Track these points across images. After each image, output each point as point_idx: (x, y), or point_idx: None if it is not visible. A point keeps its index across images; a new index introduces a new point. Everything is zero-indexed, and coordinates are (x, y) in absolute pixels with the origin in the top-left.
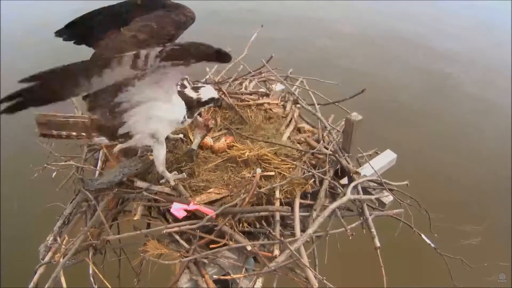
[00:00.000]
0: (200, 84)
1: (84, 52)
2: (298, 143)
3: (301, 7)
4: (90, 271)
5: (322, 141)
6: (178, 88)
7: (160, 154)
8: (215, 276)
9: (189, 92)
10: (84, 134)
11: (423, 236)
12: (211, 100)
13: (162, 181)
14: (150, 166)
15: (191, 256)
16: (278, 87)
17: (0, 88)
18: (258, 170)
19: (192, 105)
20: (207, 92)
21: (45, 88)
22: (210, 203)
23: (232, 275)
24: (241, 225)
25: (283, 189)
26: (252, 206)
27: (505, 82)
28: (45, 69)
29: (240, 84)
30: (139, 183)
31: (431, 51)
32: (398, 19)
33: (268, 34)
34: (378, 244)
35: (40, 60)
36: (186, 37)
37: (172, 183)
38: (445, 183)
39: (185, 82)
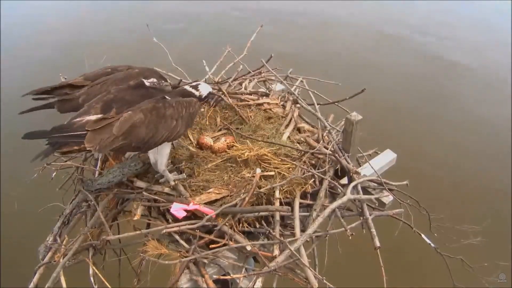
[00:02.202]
0: (195, 83)
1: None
2: (298, 143)
3: (302, 7)
4: (90, 271)
5: (322, 141)
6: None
7: (164, 154)
8: (215, 276)
9: (190, 89)
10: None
11: (423, 236)
12: (209, 94)
13: (162, 180)
14: (150, 166)
15: (191, 256)
16: (277, 87)
17: (0, 86)
18: (258, 170)
19: (192, 97)
20: (205, 88)
21: None
22: (210, 203)
23: (232, 275)
24: (241, 225)
25: (283, 189)
26: (252, 206)
27: (505, 82)
28: None
29: (240, 84)
30: (139, 183)
31: (432, 51)
32: (400, 19)
33: (269, 34)
34: (378, 244)
35: (40, 60)
36: (190, 36)
37: (172, 183)
38: (445, 183)
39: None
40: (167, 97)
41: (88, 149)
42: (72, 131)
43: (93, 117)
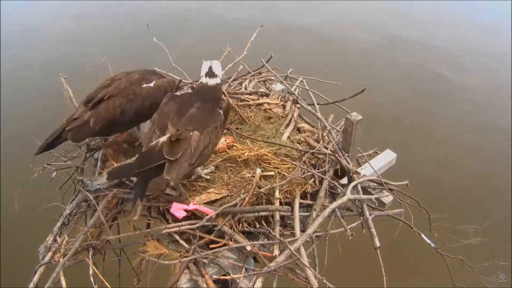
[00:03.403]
0: (206, 69)
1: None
2: (298, 143)
3: (302, 6)
4: (90, 271)
5: (322, 141)
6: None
7: None
8: (215, 276)
9: (210, 81)
10: None
11: (423, 236)
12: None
13: (193, 177)
14: None
15: (191, 256)
16: (278, 87)
17: (0, 86)
18: (258, 170)
19: (220, 91)
20: (218, 66)
21: None
22: (210, 203)
23: (232, 275)
24: (241, 225)
25: (283, 189)
26: (252, 206)
27: (505, 82)
28: None
29: (240, 84)
30: None
31: (432, 51)
32: (399, 19)
33: (269, 34)
34: (378, 244)
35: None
36: (192, 36)
37: (206, 177)
38: (445, 183)
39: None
40: (220, 111)
41: (167, 179)
42: (154, 161)
43: (165, 138)
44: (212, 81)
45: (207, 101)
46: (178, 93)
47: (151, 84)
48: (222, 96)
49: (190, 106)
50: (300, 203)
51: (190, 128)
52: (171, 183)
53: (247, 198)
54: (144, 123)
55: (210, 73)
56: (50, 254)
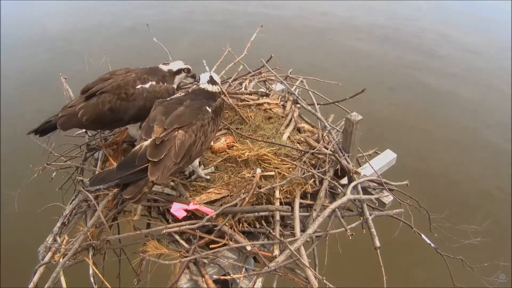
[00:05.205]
0: (207, 78)
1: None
2: (298, 143)
3: (302, 5)
4: (90, 271)
5: (322, 141)
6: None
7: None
8: (215, 276)
9: (209, 87)
10: None
11: (423, 236)
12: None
13: (193, 177)
14: None
15: (191, 256)
16: (278, 87)
17: (0, 87)
18: (258, 170)
19: (215, 95)
20: (217, 77)
21: None
22: (210, 203)
23: (232, 275)
24: (241, 225)
25: (283, 189)
26: (252, 206)
27: (505, 82)
28: None
29: (240, 84)
30: None
31: (433, 51)
32: (400, 20)
33: (268, 34)
34: (378, 244)
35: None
36: (192, 36)
37: (206, 177)
38: (445, 183)
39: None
40: (208, 108)
41: (151, 181)
42: (137, 165)
43: (148, 142)
44: (212, 88)
45: (197, 99)
46: (168, 98)
47: (146, 86)
48: (220, 96)
49: (178, 105)
50: (300, 203)
51: (176, 127)
52: (155, 181)
53: (247, 198)
54: (132, 125)
55: (212, 81)
56: (50, 254)
